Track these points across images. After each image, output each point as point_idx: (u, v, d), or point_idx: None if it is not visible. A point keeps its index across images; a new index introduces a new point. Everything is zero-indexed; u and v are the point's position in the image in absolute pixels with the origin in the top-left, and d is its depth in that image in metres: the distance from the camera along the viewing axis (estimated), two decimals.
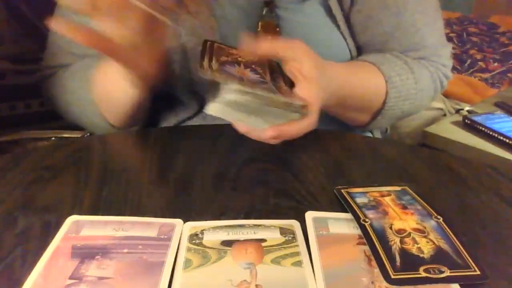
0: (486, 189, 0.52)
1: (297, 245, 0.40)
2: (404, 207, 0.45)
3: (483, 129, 1.03)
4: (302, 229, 0.42)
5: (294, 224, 0.43)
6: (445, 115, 1.29)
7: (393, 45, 0.72)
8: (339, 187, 0.49)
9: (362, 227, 0.42)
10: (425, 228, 0.42)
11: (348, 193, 0.48)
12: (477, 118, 1.06)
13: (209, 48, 0.54)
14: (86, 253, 0.38)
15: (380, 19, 0.71)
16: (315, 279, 0.36)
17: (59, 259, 0.38)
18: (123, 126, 0.68)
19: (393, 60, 0.70)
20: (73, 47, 0.71)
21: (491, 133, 1.01)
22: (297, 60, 0.53)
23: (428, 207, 0.45)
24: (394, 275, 0.36)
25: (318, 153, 0.58)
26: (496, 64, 1.73)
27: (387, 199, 0.46)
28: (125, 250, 0.39)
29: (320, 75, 0.54)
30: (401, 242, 0.40)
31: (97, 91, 0.65)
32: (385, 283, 0.36)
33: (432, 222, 0.43)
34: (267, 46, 0.53)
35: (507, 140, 0.97)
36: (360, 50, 0.74)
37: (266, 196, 0.48)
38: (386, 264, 0.37)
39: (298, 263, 0.38)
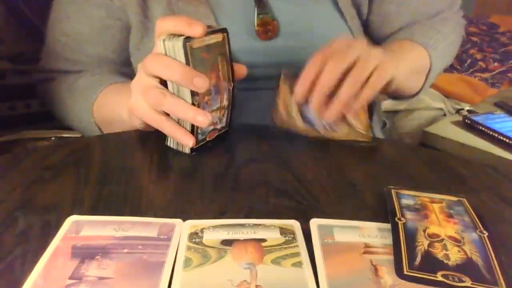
0: (486, 189, 0.52)
1: (297, 246, 0.40)
2: (450, 216, 0.44)
3: (483, 129, 1.03)
4: (305, 234, 0.41)
5: (294, 224, 0.43)
6: (445, 115, 1.29)
7: (415, 25, 0.79)
8: (390, 186, 0.49)
9: (394, 225, 0.41)
10: (463, 238, 0.41)
11: (397, 193, 0.47)
12: (477, 118, 1.06)
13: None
14: (86, 253, 0.38)
15: (400, 13, 0.78)
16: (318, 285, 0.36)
17: (59, 259, 0.38)
18: None
19: (419, 28, 0.77)
20: (67, 52, 0.72)
21: (491, 133, 1.01)
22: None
23: (477, 221, 0.44)
24: (407, 271, 0.36)
25: (318, 153, 0.58)
26: (496, 64, 1.72)
27: (435, 206, 0.46)
28: (125, 250, 0.39)
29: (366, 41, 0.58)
30: (429, 245, 0.39)
31: (101, 119, 0.67)
32: None
33: (474, 235, 0.41)
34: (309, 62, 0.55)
35: (507, 140, 0.97)
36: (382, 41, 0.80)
37: (266, 196, 0.48)
38: (404, 260, 0.37)
39: (298, 264, 0.38)
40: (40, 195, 0.47)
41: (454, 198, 0.48)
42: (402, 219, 0.42)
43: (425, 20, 0.79)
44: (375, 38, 0.81)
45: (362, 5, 0.75)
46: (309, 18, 0.71)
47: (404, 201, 0.46)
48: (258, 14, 0.68)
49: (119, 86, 0.67)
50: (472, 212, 0.45)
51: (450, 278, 0.36)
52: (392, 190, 0.48)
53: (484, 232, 0.42)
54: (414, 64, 0.72)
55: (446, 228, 0.42)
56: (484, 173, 0.56)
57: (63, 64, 0.72)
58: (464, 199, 0.48)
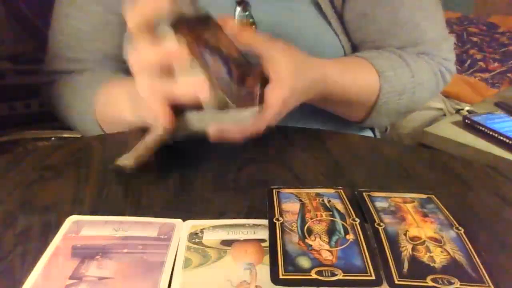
0: (486, 189, 0.52)
1: None
2: (425, 215, 0.44)
3: (483, 129, 1.03)
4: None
5: None
6: (445, 115, 1.29)
7: (390, 42, 0.70)
8: (361, 189, 0.48)
9: (375, 231, 0.41)
10: (443, 238, 0.41)
11: (369, 196, 0.47)
12: (477, 118, 1.06)
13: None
14: (86, 253, 0.38)
15: (375, 16, 0.69)
16: None
17: (59, 259, 0.38)
18: None
19: (386, 55, 0.68)
20: (68, 52, 0.72)
21: (491, 133, 1.01)
22: (274, 61, 0.52)
23: (451, 217, 0.44)
24: (398, 281, 0.35)
25: (318, 153, 0.58)
26: (496, 64, 1.73)
27: (408, 206, 0.45)
28: (125, 250, 0.39)
29: (298, 78, 0.53)
30: (413, 249, 0.39)
31: (102, 117, 0.66)
32: None
33: (452, 233, 0.41)
34: (249, 37, 0.52)
35: (507, 140, 0.97)
36: (355, 48, 0.73)
37: (266, 196, 0.48)
38: (392, 269, 0.36)
39: None
40: (40, 195, 0.47)
41: (424, 196, 0.48)
42: (381, 224, 0.42)
43: (402, 42, 0.70)
44: (356, 42, 0.74)
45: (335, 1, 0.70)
46: (292, 21, 0.69)
47: (378, 204, 0.46)
48: (238, 15, 0.68)
49: (111, 86, 0.65)
50: (444, 209, 0.45)
51: (440, 281, 0.35)
52: (364, 193, 0.47)
53: (460, 228, 0.42)
54: (344, 89, 0.63)
55: (425, 228, 0.42)
56: (484, 173, 0.56)
57: (66, 64, 0.72)
58: (433, 196, 0.48)
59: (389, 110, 0.69)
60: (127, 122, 0.59)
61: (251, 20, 0.68)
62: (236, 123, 0.49)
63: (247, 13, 0.68)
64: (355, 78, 0.65)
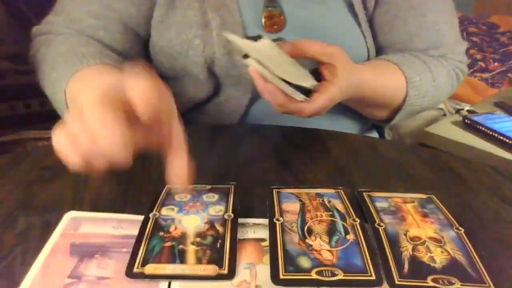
0: (486, 189, 0.52)
1: None
2: (425, 215, 0.44)
3: (483, 129, 1.02)
4: None
5: None
6: (445, 115, 1.29)
7: (416, 45, 0.74)
8: (361, 190, 0.48)
9: (376, 231, 0.41)
10: (443, 238, 0.41)
11: (369, 196, 0.47)
12: (477, 118, 1.06)
13: None
14: (85, 251, 0.38)
15: (406, 19, 0.73)
16: None
17: (57, 256, 0.38)
18: None
19: (413, 60, 0.72)
20: (91, 4, 0.67)
21: (491, 133, 1.00)
22: (332, 65, 0.55)
23: (451, 217, 0.44)
24: (399, 281, 0.36)
25: (318, 153, 0.58)
26: (496, 64, 1.73)
27: (408, 206, 0.46)
28: (124, 250, 0.39)
29: (344, 79, 0.56)
30: (414, 249, 0.39)
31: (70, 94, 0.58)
32: None
33: (452, 233, 0.42)
34: (310, 46, 0.55)
35: (507, 140, 0.97)
36: (379, 51, 0.76)
37: (266, 196, 0.48)
38: (393, 269, 0.37)
39: None
40: (40, 195, 0.47)
41: (424, 196, 0.48)
42: (381, 224, 0.42)
43: (425, 45, 0.74)
44: (382, 43, 0.76)
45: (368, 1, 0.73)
46: (321, 17, 0.70)
47: (379, 204, 0.46)
48: (266, 6, 0.68)
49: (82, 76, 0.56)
50: (444, 209, 0.45)
51: (440, 281, 0.36)
52: (364, 193, 0.48)
53: (460, 228, 0.42)
54: (376, 93, 0.67)
55: (425, 229, 0.42)
56: (484, 173, 0.56)
57: (83, 18, 0.67)
58: (433, 196, 0.48)
59: (412, 110, 0.73)
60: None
61: (278, 11, 0.68)
62: (288, 92, 0.52)
63: (275, 4, 0.68)
64: (385, 82, 0.68)
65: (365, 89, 0.64)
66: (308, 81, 0.53)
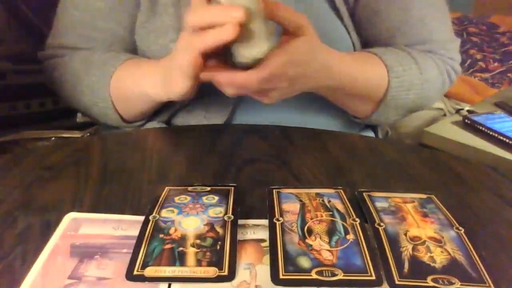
0: (486, 189, 0.52)
1: None
2: (425, 215, 0.44)
3: (483, 129, 1.02)
4: None
5: None
6: (445, 115, 1.29)
7: (400, 40, 0.71)
8: (361, 189, 0.48)
9: (376, 231, 0.41)
10: (443, 238, 0.41)
11: (369, 196, 0.47)
12: (477, 118, 1.06)
13: None
14: (85, 252, 0.38)
15: (387, 14, 0.71)
16: None
17: (57, 257, 0.38)
18: (133, 121, 0.69)
19: (395, 51, 0.69)
20: (80, 28, 0.70)
21: (491, 133, 1.00)
22: (298, 31, 0.54)
23: (451, 217, 0.44)
24: (399, 281, 0.35)
25: (318, 153, 0.58)
26: (496, 64, 1.73)
27: (408, 206, 0.45)
28: (124, 250, 0.39)
29: (307, 55, 0.55)
30: (414, 249, 0.39)
31: (117, 94, 0.66)
32: None
33: (452, 233, 0.41)
34: (280, 8, 0.53)
35: (507, 140, 0.97)
36: (365, 46, 0.74)
37: (266, 196, 0.48)
38: (393, 269, 0.36)
39: None
40: (40, 195, 0.47)
41: (424, 196, 0.48)
42: (381, 224, 0.42)
43: (410, 40, 0.71)
44: (365, 38, 0.75)
45: None
46: (303, 14, 0.70)
47: (379, 204, 0.46)
48: None
49: (138, 61, 0.67)
50: (444, 209, 0.45)
51: (440, 281, 0.36)
52: (364, 193, 0.48)
53: (460, 228, 0.42)
54: (354, 80, 0.64)
55: (425, 228, 0.42)
56: (484, 173, 0.56)
57: (75, 40, 0.71)
58: (433, 196, 0.48)
59: (397, 106, 0.69)
60: (146, 96, 0.62)
61: None
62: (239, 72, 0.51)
63: None
64: (364, 71, 0.66)
65: (342, 76, 0.62)
66: (265, 43, 0.51)
